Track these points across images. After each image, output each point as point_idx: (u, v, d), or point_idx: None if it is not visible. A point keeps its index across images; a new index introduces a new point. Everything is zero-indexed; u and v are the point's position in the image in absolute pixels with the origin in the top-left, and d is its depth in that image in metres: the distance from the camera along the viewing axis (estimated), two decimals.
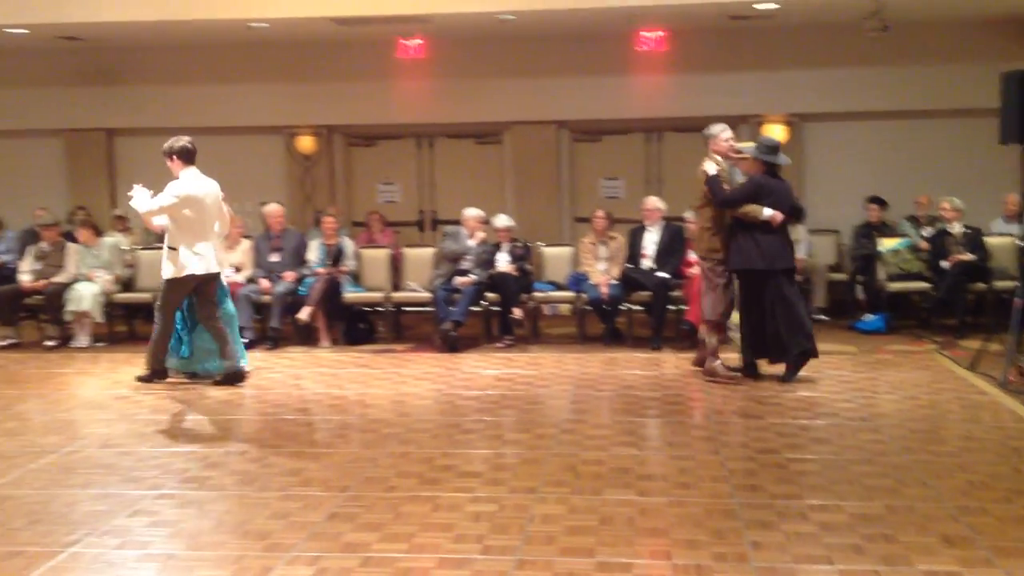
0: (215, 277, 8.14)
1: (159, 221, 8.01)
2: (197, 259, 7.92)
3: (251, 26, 10.79)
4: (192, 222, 7.92)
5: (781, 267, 7.73)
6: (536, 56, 12.10)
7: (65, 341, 10.24)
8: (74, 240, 10.71)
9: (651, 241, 10.05)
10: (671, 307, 9.75)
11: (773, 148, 7.86)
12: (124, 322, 10.89)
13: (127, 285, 10.67)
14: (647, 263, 9.96)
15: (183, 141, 8.06)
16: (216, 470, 5.80)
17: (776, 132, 11.96)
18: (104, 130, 12.86)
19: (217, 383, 8.10)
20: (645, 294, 9.77)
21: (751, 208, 7.69)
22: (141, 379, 8.23)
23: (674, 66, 12.00)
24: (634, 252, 10.08)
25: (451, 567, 4.31)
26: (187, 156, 8.01)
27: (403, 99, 12.44)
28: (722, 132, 8.08)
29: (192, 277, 7.95)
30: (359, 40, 11.81)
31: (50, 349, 10.11)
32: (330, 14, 10.38)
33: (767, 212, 7.66)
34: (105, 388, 8.21)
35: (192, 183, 7.98)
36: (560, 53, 12.05)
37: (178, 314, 8.22)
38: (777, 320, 7.68)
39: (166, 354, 8.19)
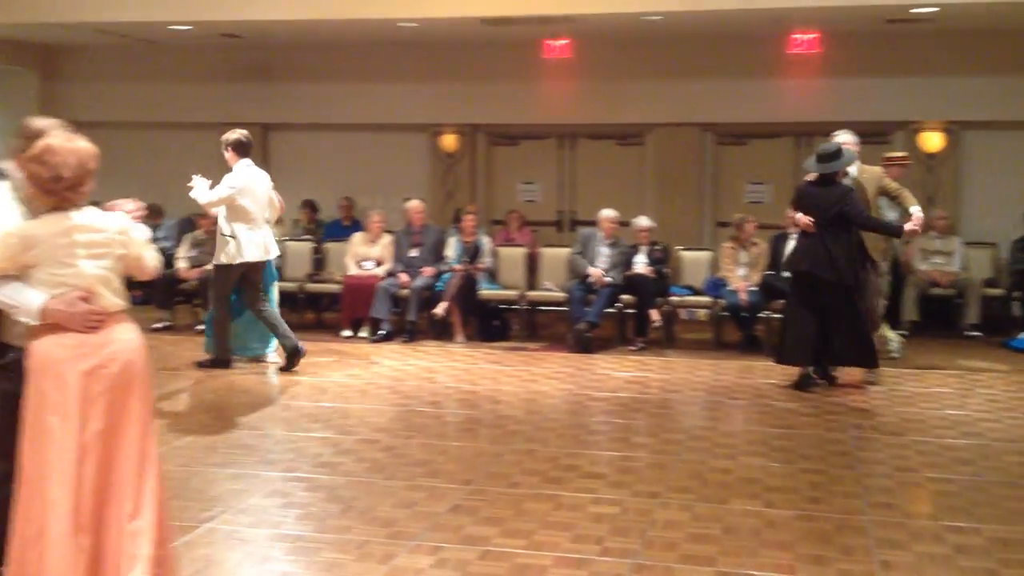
0: (263, 265, 8.49)
1: (217, 210, 8.42)
2: (246, 247, 8.29)
3: (400, 25, 11.01)
4: (243, 211, 8.31)
5: (815, 271, 7.65)
6: (682, 57, 11.95)
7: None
8: None
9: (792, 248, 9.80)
10: None
11: (819, 155, 7.83)
12: None
13: None
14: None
15: (237, 134, 8.51)
16: (347, 457, 5.95)
17: (933, 140, 11.54)
18: (259, 125, 13.30)
19: (281, 369, 8.46)
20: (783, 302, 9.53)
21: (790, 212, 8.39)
22: (202, 364, 8.56)
23: (826, 69, 11.67)
24: (776, 259, 9.85)
25: (568, 566, 4.30)
26: (241, 149, 8.44)
27: (547, 99, 12.48)
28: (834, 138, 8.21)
29: (242, 264, 8.31)
30: (505, 40, 11.91)
31: (202, 333, 10.51)
32: (478, 14, 10.50)
33: (796, 216, 7.89)
34: (249, 372, 8.52)
35: (245, 174, 8.40)
36: (706, 54, 11.87)
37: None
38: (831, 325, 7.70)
39: (229, 340, 8.54)
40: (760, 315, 9.74)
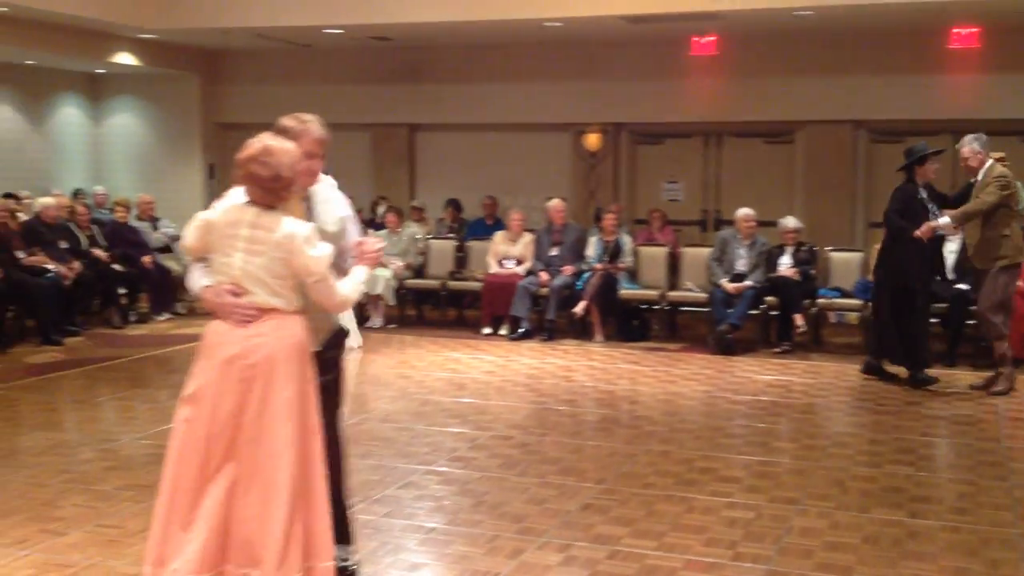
0: None
1: None
2: None
3: (545, 25, 11.05)
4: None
5: (876, 272, 8.34)
6: (833, 53, 11.61)
7: (360, 322, 10.92)
8: (376, 227, 11.39)
9: (950, 251, 9.39)
10: (969, 322, 9.06)
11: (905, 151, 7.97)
12: (413, 306, 11.48)
13: (418, 272, 11.26)
14: (946, 274, 9.32)
15: None
16: (482, 452, 6.02)
17: None
18: (407, 125, 13.60)
19: None
20: (941, 306, 9.14)
21: None
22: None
23: (986, 65, 11.15)
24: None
25: (699, 570, 4.24)
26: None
27: (692, 97, 12.31)
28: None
29: None
30: (650, 38, 11.82)
31: None
32: (624, 12, 10.44)
33: None
34: (392, 367, 8.70)
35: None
36: (859, 49, 11.50)
37: None
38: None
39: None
40: None
